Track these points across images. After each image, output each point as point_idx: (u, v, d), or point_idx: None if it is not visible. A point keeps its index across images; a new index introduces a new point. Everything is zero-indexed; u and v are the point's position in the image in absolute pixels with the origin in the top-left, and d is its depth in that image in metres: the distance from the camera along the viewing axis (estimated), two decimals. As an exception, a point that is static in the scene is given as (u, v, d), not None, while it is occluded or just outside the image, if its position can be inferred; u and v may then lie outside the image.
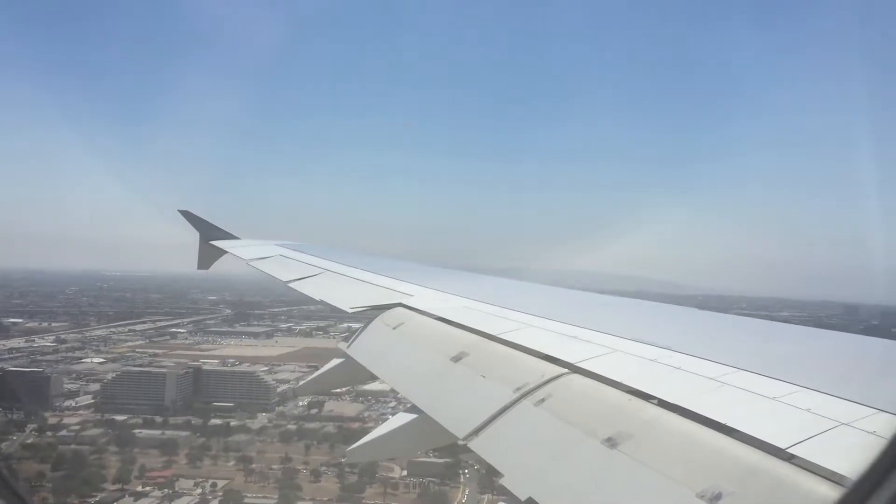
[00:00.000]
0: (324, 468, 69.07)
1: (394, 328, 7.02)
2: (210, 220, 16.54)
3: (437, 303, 7.54)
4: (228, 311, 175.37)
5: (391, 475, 68.01)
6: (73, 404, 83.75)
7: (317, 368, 8.07)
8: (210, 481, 65.80)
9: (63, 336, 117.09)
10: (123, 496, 62.13)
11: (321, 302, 9.08)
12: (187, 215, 16.38)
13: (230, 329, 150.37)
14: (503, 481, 3.75)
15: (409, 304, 7.60)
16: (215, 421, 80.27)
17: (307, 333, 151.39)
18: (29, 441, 71.20)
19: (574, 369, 4.61)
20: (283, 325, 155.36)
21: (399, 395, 6.01)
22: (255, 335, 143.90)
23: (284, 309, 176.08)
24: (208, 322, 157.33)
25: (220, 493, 64.06)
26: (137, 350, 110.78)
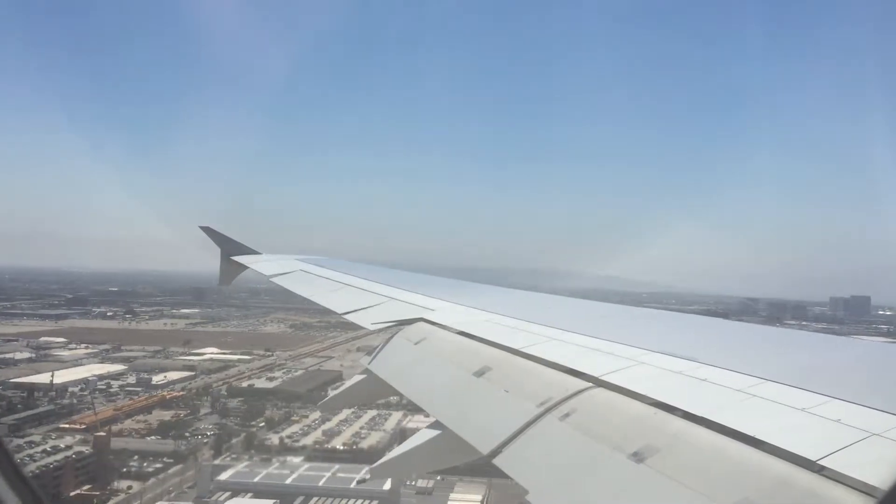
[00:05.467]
0: None
1: (416, 343, 7.01)
2: (227, 230, 16.54)
3: (458, 317, 7.52)
4: (70, 295, 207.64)
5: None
6: None
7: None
8: None
9: None
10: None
11: (344, 318, 9.06)
12: (208, 231, 16.36)
13: (30, 312, 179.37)
14: (529, 497, 3.71)
15: (431, 319, 7.59)
16: None
17: (104, 316, 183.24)
18: None
19: (598, 383, 4.57)
20: (98, 310, 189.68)
21: None
22: (44, 317, 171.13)
23: (159, 298, 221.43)
24: (24, 306, 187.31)
25: None
26: None
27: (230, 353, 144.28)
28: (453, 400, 5.55)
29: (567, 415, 4.29)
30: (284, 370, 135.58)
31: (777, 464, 3.11)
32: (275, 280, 12.76)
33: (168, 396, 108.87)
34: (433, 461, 5.48)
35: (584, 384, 4.62)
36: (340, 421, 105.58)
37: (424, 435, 5.28)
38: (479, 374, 5.52)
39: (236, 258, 15.95)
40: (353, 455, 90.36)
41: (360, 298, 9.82)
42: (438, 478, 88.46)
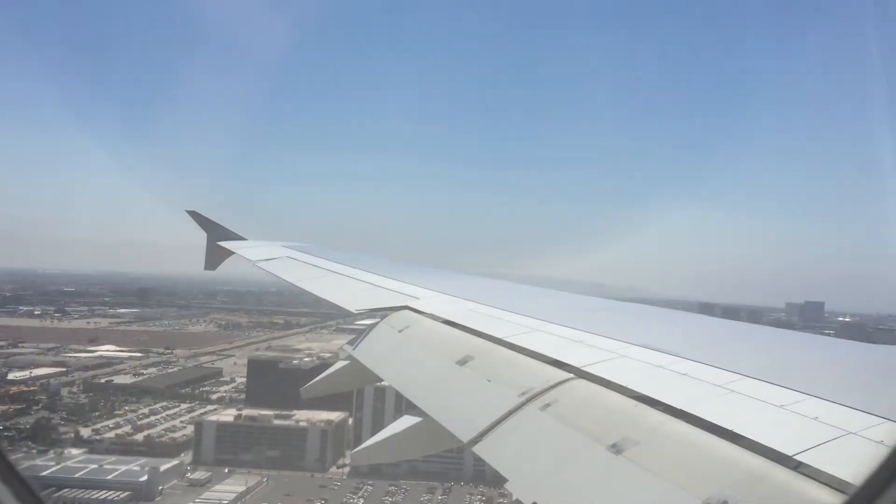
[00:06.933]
0: None
1: (399, 331, 7.04)
2: (217, 220, 16.37)
3: (443, 305, 7.56)
4: (8, 294, 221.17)
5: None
6: None
7: None
8: None
9: None
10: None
11: (328, 302, 9.06)
12: (195, 216, 16.28)
13: None
14: (508, 486, 3.77)
15: (415, 307, 7.61)
16: None
17: (31, 314, 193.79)
18: None
19: (580, 374, 4.62)
20: (26, 308, 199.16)
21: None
22: None
23: (108, 298, 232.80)
24: None
25: None
26: None
27: (125, 351, 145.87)
28: (435, 388, 5.58)
29: (548, 405, 4.34)
30: (160, 367, 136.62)
31: (753, 459, 3.17)
32: (261, 265, 12.59)
33: (13, 391, 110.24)
34: (413, 448, 5.55)
35: (565, 375, 4.67)
36: (166, 415, 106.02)
37: (406, 422, 5.32)
38: (462, 362, 5.55)
39: (222, 243, 15.75)
40: (151, 448, 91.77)
41: (346, 284, 9.92)
42: (226, 470, 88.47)
